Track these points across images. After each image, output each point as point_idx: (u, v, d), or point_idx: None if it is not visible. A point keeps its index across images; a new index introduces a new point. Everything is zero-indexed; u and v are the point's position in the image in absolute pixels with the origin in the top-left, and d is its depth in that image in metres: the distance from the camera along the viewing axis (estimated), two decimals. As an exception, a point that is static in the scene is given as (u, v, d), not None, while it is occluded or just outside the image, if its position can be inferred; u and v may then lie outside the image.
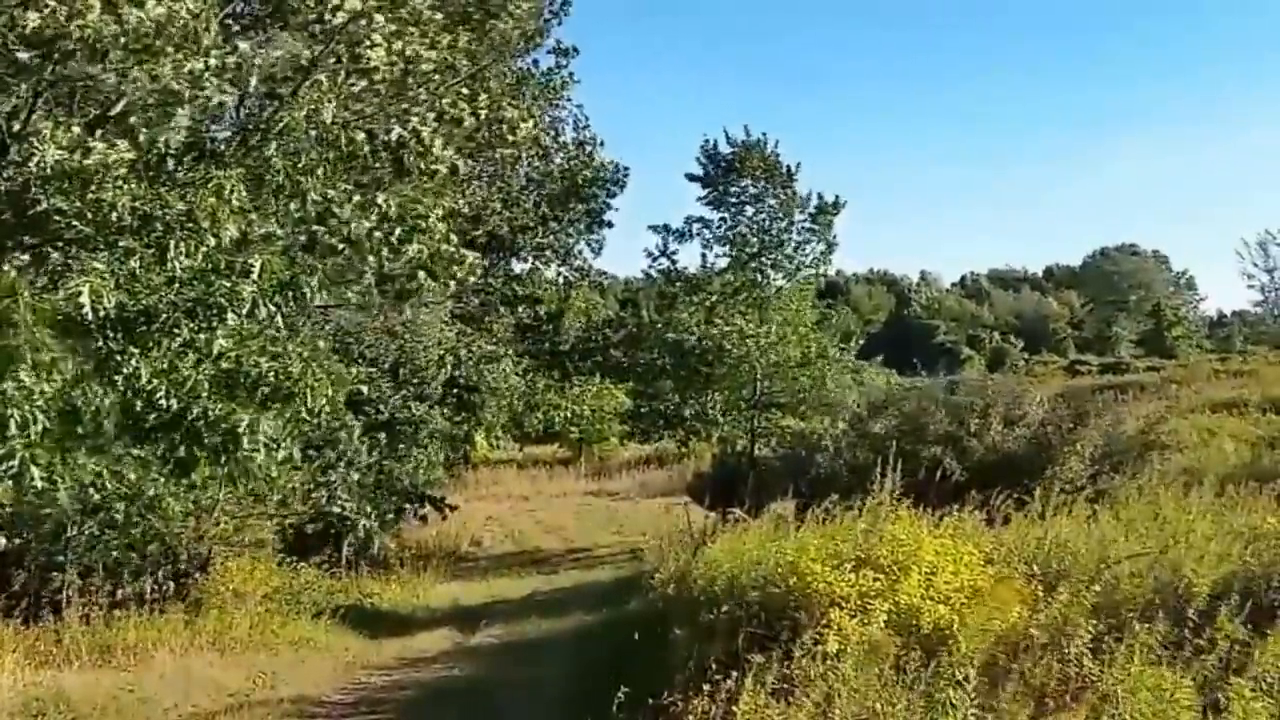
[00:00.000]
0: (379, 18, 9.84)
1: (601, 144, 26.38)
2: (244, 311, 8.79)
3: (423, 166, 10.70)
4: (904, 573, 8.60)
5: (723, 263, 25.68)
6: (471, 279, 12.50)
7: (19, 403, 7.26)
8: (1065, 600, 7.62)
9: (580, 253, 27.29)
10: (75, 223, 8.81)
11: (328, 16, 9.70)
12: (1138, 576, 7.98)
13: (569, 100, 25.22)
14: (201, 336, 8.73)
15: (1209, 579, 7.60)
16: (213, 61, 8.83)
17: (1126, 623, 7.03)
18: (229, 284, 8.55)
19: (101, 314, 8.08)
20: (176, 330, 8.57)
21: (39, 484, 7.53)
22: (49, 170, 8.50)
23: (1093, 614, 7.49)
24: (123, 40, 8.32)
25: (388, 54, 9.92)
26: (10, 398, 7.29)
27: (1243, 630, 6.78)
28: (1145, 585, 7.89)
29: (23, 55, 8.66)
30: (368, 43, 9.82)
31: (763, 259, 24.84)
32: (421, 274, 10.52)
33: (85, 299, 7.75)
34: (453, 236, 10.29)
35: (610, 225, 27.30)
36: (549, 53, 21.73)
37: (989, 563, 8.96)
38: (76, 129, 8.75)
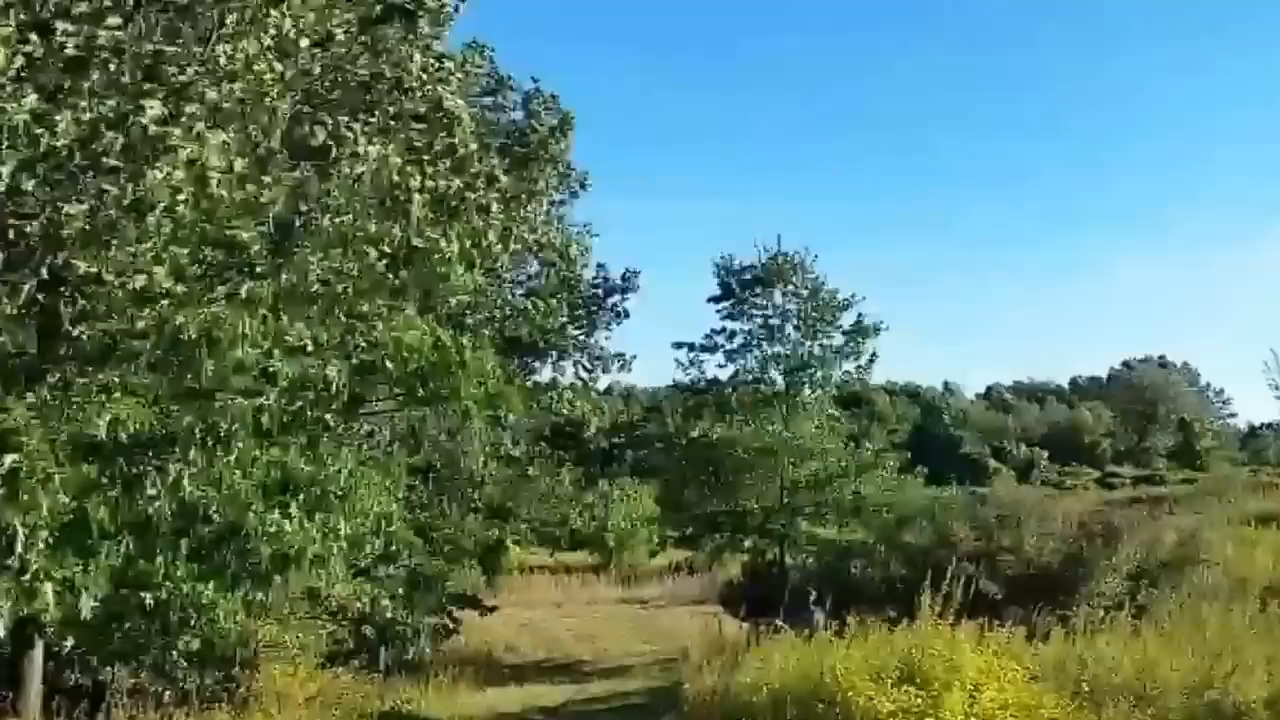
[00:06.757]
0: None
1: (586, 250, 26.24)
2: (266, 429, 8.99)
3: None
4: (946, 689, 8.65)
5: (751, 372, 25.52)
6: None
7: (25, 520, 7.38)
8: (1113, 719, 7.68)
9: (601, 352, 27.41)
10: (114, 341, 8.99)
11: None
12: (1186, 693, 8.01)
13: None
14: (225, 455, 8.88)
15: (1260, 696, 7.63)
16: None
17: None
18: (252, 400, 8.67)
19: (123, 439, 8.23)
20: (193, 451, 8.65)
21: (50, 601, 7.79)
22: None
23: (1141, 732, 7.54)
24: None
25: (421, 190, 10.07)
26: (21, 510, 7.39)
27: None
28: (1194, 703, 7.92)
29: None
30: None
31: (796, 375, 24.78)
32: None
33: (102, 428, 7.99)
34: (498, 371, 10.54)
35: (626, 316, 27.44)
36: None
37: (1033, 679, 9.00)
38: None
